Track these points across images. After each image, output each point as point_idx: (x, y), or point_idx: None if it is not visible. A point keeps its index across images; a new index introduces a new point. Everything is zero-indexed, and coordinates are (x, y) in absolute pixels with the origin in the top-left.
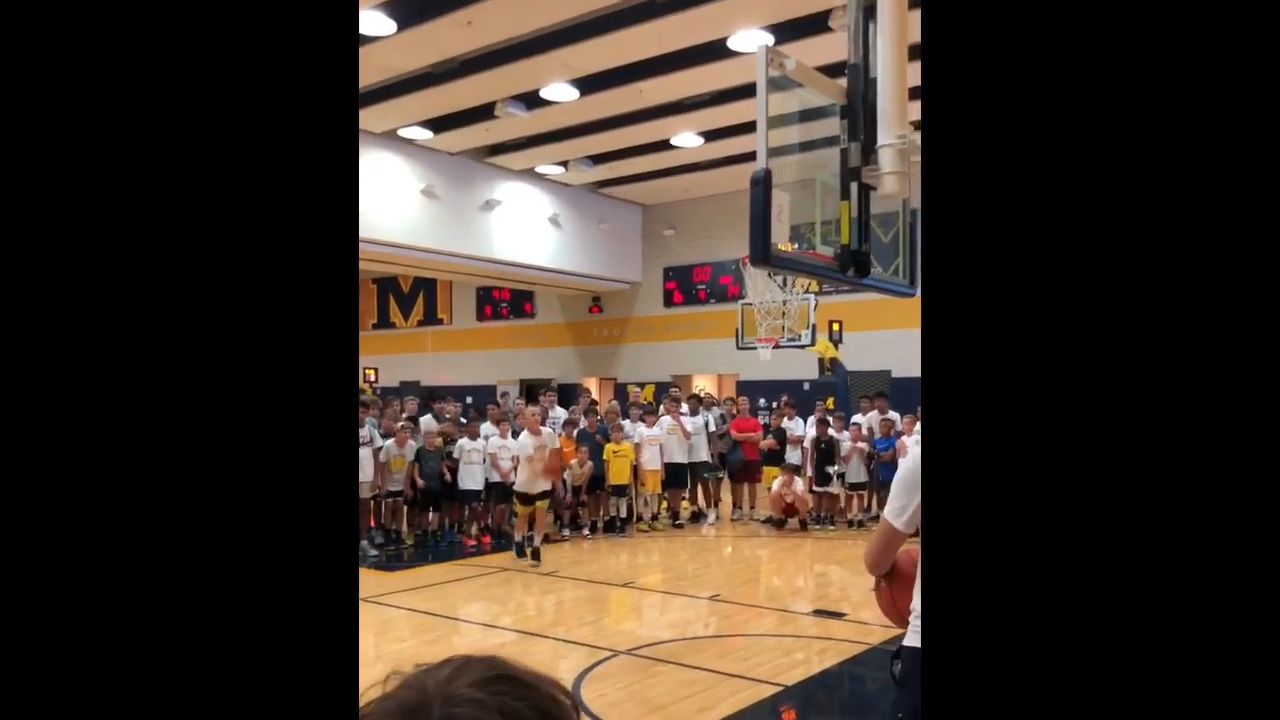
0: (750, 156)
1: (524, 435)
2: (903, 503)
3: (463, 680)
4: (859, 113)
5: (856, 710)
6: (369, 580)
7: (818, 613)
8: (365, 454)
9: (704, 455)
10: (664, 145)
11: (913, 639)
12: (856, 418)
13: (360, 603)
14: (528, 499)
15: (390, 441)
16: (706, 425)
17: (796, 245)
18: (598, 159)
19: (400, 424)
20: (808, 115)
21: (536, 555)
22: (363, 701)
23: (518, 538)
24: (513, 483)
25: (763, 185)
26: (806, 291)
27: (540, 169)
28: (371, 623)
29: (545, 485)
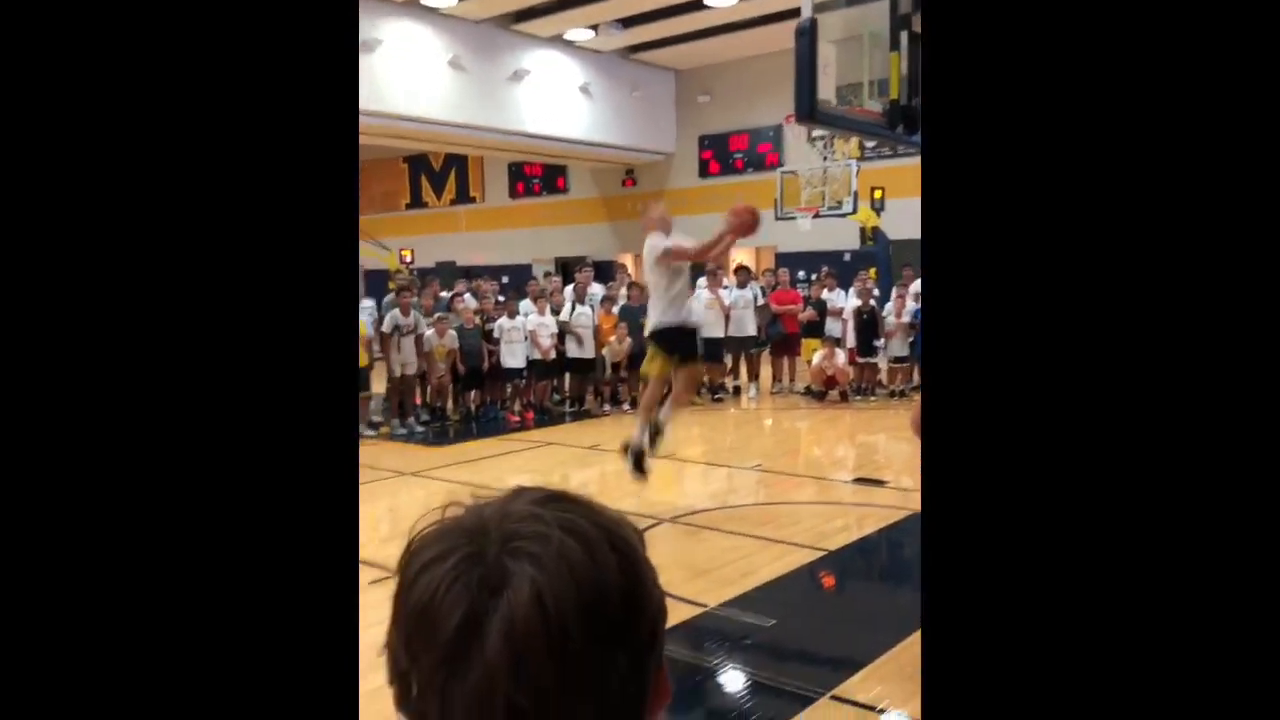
0: (789, 15)
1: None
2: None
3: (521, 500)
4: None
5: (896, 575)
6: (417, 455)
7: (859, 481)
8: (409, 342)
9: (751, 330)
10: (698, 4)
11: None
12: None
13: (408, 476)
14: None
15: (431, 331)
16: (755, 299)
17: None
18: (628, 22)
19: (438, 315)
20: None
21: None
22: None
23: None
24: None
25: (808, 36)
26: (848, 158)
27: (569, 35)
28: (419, 495)
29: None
